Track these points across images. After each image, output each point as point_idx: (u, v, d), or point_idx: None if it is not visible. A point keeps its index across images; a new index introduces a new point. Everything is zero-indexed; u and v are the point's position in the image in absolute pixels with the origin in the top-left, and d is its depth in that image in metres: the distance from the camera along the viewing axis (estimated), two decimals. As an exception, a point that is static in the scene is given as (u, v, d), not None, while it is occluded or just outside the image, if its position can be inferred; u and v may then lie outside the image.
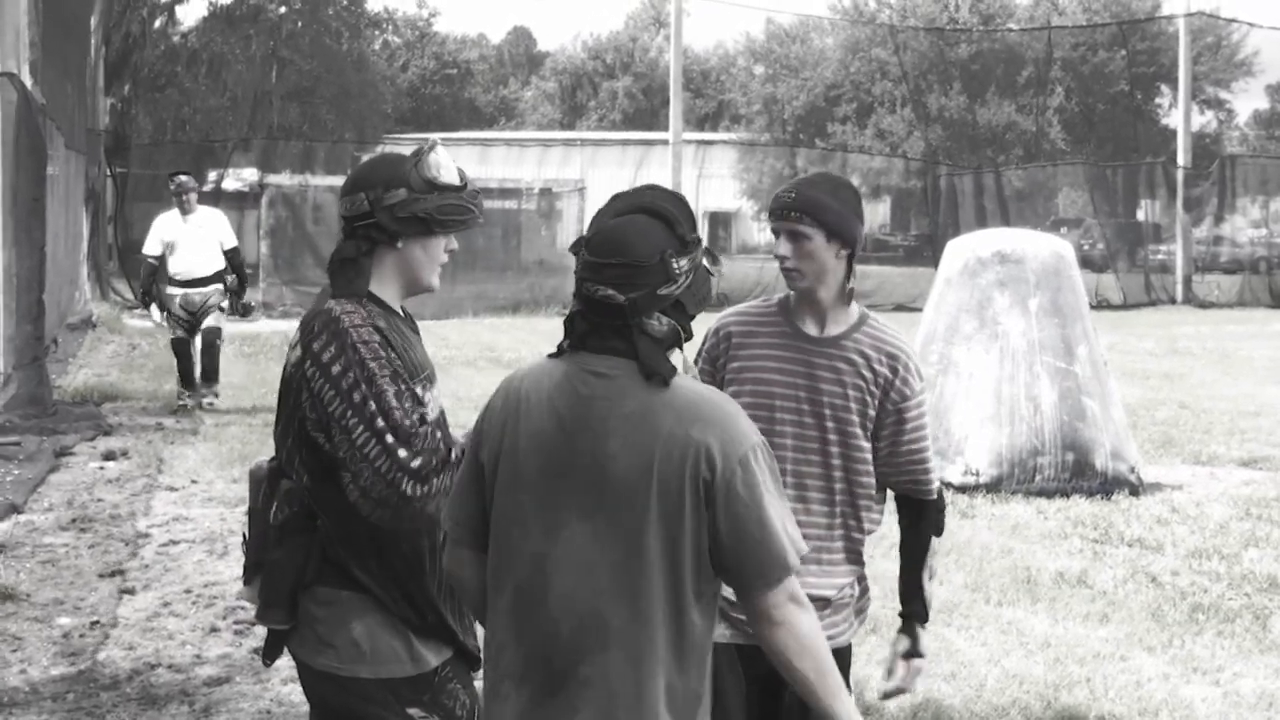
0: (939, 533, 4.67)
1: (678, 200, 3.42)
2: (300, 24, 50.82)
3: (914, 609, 4.62)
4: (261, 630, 4.06)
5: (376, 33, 66.28)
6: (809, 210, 4.34)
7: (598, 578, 3.26)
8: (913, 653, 4.65)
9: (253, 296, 31.31)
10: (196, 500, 11.48)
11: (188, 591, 8.79)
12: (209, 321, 16.11)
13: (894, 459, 4.49)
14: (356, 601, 3.87)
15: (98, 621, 8.19)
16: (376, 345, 3.80)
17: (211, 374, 16.33)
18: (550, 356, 3.46)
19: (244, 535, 4.05)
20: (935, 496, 4.61)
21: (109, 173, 32.26)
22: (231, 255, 16.35)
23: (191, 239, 16.04)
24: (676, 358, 3.44)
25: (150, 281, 16.31)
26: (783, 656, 3.31)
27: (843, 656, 4.67)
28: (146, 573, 9.29)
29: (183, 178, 16.18)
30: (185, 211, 16.07)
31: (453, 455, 3.80)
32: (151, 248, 16.21)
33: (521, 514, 3.35)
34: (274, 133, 44.62)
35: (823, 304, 4.42)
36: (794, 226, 4.34)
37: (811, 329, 4.43)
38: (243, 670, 7.30)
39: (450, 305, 30.59)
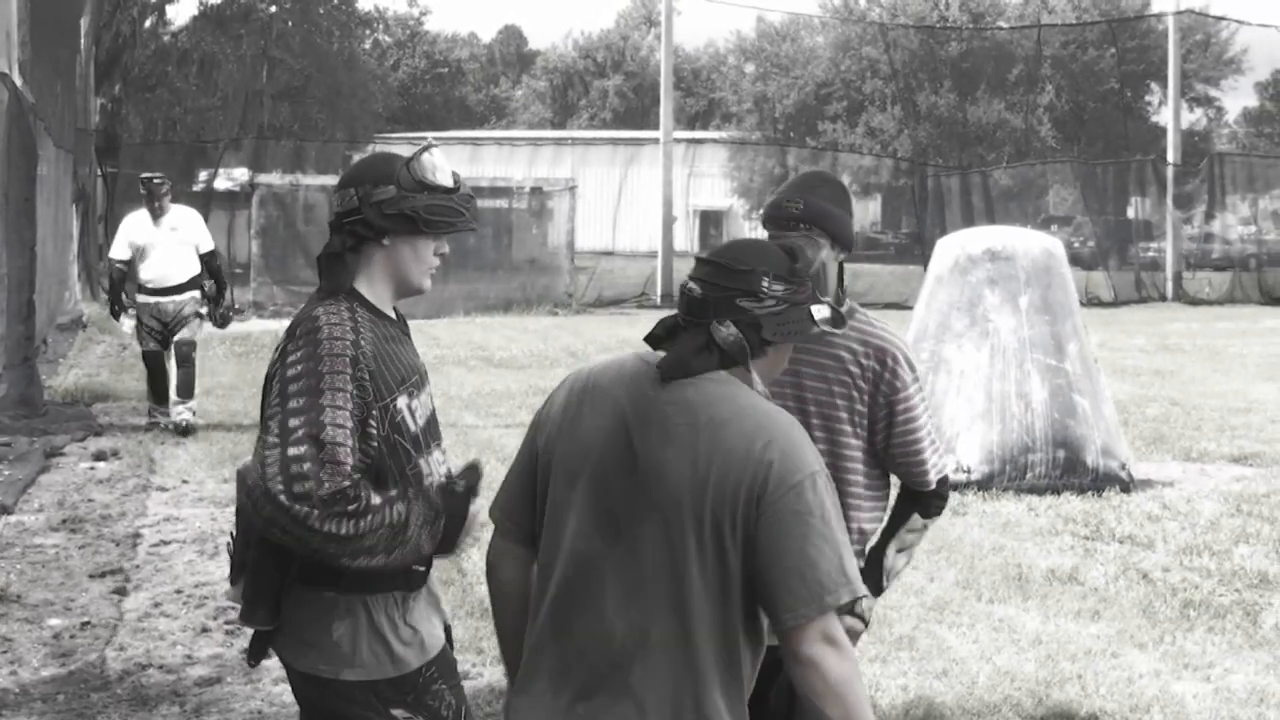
0: (926, 515, 4.61)
1: (814, 245, 3.62)
2: (291, 23, 50.80)
3: (870, 572, 4.46)
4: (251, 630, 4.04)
5: (367, 32, 66.18)
6: (817, 220, 4.31)
7: (645, 584, 3.21)
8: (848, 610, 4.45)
9: (243, 296, 31.58)
10: (187, 500, 11.47)
11: (179, 592, 8.77)
12: (183, 334, 14.60)
13: (889, 451, 4.46)
14: (338, 602, 3.86)
15: (89, 622, 8.18)
16: (344, 364, 3.76)
17: (187, 389, 14.62)
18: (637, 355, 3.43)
19: (231, 535, 4.03)
20: (932, 488, 4.58)
21: (99, 172, 32.21)
22: (209, 259, 14.89)
23: (164, 243, 14.61)
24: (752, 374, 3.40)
25: (119, 289, 15.05)
26: (809, 699, 3.19)
27: None
28: (137, 573, 9.27)
29: (155, 180, 14.74)
30: (157, 215, 14.64)
31: (364, 505, 3.69)
32: (119, 251, 14.93)
33: (574, 509, 3.31)
34: (265, 132, 44.57)
35: None
36: (803, 237, 4.30)
37: None
38: (234, 670, 7.29)
39: (441, 304, 30.58)
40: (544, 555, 3.37)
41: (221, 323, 15.16)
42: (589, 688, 3.24)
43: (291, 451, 3.64)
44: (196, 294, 14.74)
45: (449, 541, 3.90)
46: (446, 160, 3.97)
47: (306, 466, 3.62)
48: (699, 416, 3.23)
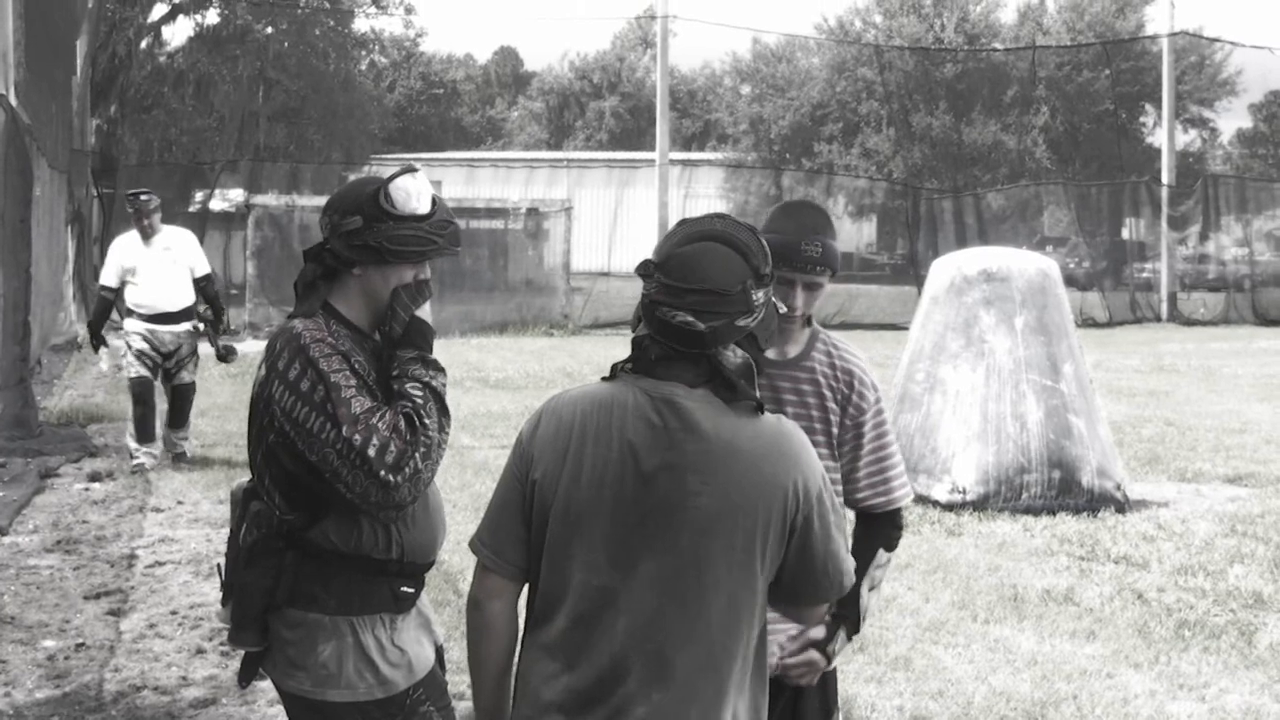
0: (890, 548, 4.55)
1: (749, 231, 3.35)
2: (287, 44, 50.82)
3: (846, 613, 4.40)
4: (247, 652, 4.05)
5: (363, 53, 66.27)
6: (829, 262, 4.31)
7: (667, 614, 3.20)
8: (821, 647, 4.38)
9: (238, 317, 31.56)
10: (183, 521, 11.46)
11: (174, 613, 8.77)
12: (183, 376, 13.72)
13: (856, 474, 4.44)
14: (325, 624, 3.87)
15: (83, 644, 8.17)
16: (329, 347, 3.80)
17: (181, 419, 13.87)
18: (605, 380, 3.39)
19: (224, 557, 4.05)
20: (898, 506, 4.51)
21: (95, 193, 32.23)
22: (204, 285, 13.77)
23: (156, 265, 13.48)
24: None
25: (102, 319, 13.86)
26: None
27: (829, 681, 4.61)
28: (133, 594, 9.27)
29: (143, 197, 13.54)
30: (147, 235, 13.49)
31: (417, 422, 3.78)
32: (107, 277, 13.73)
33: (582, 544, 3.26)
34: (261, 153, 44.60)
35: (793, 331, 4.41)
36: (817, 280, 4.32)
37: (771, 352, 4.31)
38: (229, 692, 7.28)
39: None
40: (548, 590, 3.33)
41: (226, 356, 13.78)
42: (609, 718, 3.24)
43: (371, 450, 3.68)
44: (190, 328, 13.70)
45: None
46: (426, 184, 3.94)
47: (389, 447, 3.69)
48: (714, 443, 3.22)
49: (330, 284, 3.95)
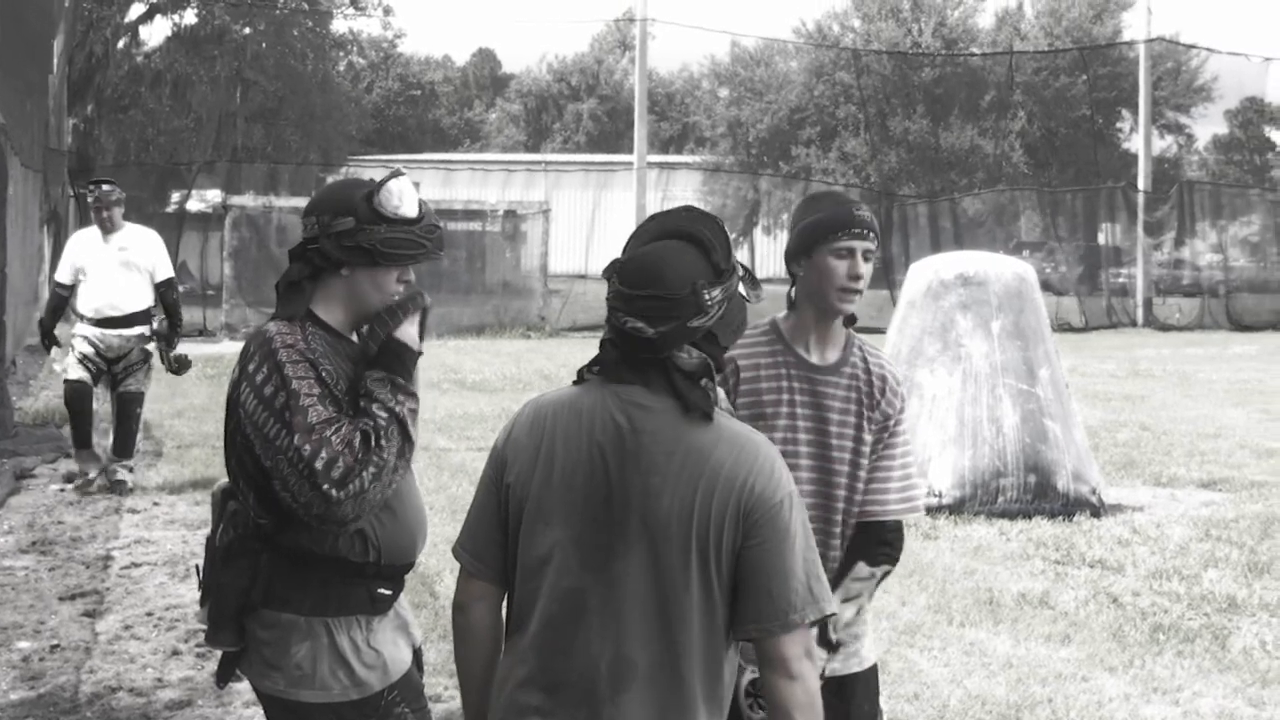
0: (871, 562, 4.34)
1: (713, 224, 3.31)
2: (265, 45, 50.67)
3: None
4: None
5: (341, 54, 66.12)
6: (875, 229, 4.29)
7: (632, 614, 3.21)
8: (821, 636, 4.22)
9: (215, 318, 31.54)
10: (159, 522, 11.44)
11: (149, 614, 8.75)
12: (130, 384, 12.46)
13: (875, 479, 4.34)
14: (300, 625, 3.87)
15: (59, 645, 8.15)
16: (298, 353, 3.79)
17: (125, 447, 12.61)
18: (575, 384, 3.40)
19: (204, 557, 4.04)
20: (883, 520, 4.36)
21: (72, 193, 32.15)
22: (165, 291, 12.58)
23: (110, 264, 12.35)
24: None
25: (54, 317, 12.84)
26: (789, 712, 3.20)
27: (871, 677, 4.52)
28: (108, 596, 9.24)
29: (105, 186, 12.50)
30: (107, 230, 12.39)
31: (372, 442, 3.73)
32: (62, 273, 12.68)
33: (555, 546, 3.28)
34: (238, 154, 44.50)
35: (834, 327, 4.34)
36: (872, 247, 4.27)
37: (814, 356, 4.30)
38: (205, 694, 7.27)
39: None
40: (522, 594, 3.34)
41: (177, 368, 12.65)
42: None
43: (319, 462, 3.66)
44: (145, 330, 12.48)
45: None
46: (413, 188, 3.95)
47: (338, 461, 3.67)
48: (676, 445, 3.22)
49: (314, 285, 3.94)
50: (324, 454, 3.66)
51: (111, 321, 12.34)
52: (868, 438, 4.30)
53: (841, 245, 4.21)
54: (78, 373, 12.40)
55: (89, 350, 12.37)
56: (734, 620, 3.25)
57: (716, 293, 3.22)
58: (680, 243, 3.26)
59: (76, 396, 12.41)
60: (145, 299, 12.48)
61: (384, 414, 3.76)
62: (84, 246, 12.56)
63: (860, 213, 4.25)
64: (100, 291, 12.34)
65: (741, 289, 3.33)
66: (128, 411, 12.52)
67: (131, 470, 12.70)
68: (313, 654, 3.85)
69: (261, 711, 4.19)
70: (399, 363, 3.88)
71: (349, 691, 3.87)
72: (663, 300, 3.18)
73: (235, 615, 3.89)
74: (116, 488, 12.42)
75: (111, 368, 12.46)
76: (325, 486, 3.64)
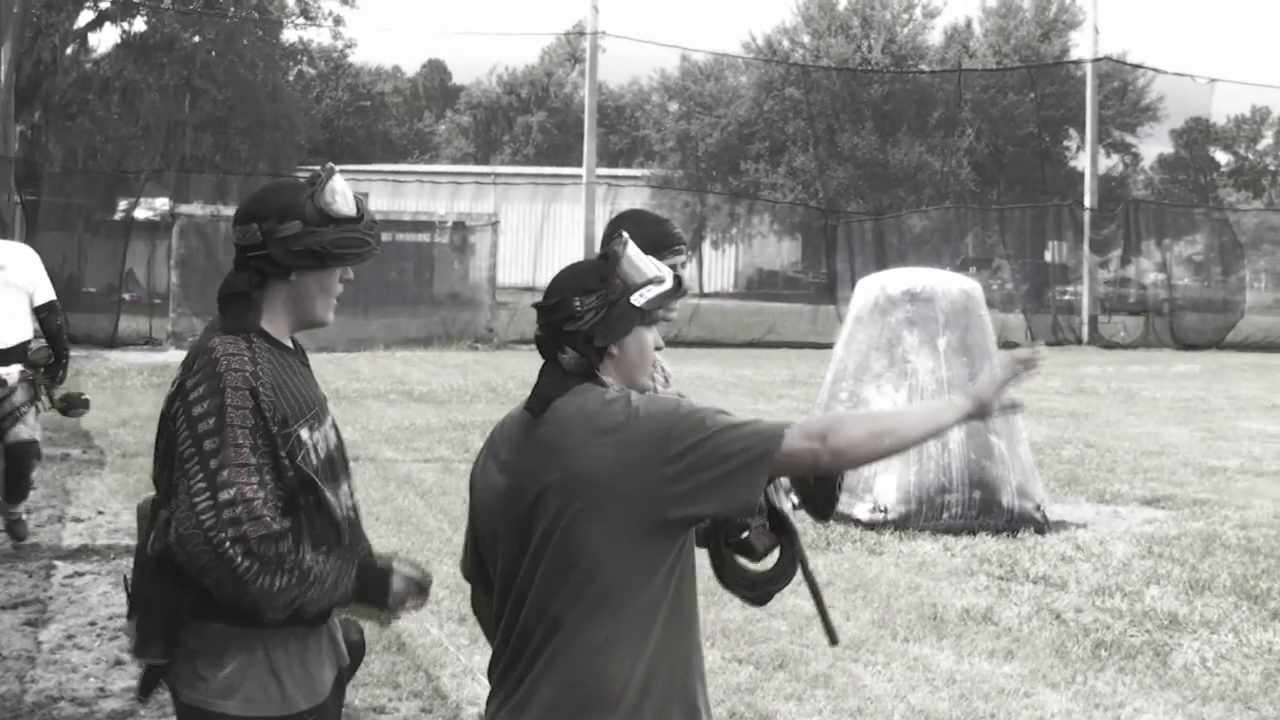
0: None
1: (621, 239, 3.61)
2: (214, 54, 50.48)
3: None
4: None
5: (291, 64, 65.93)
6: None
7: (554, 579, 3.43)
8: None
9: (162, 327, 31.36)
10: (103, 531, 11.38)
11: (92, 624, 8.71)
12: (18, 431, 10.39)
13: None
14: (231, 635, 3.77)
15: (1, 655, 8.10)
16: (245, 397, 3.70)
17: (18, 493, 10.74)
18: None
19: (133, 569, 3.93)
20: None
21: (19, 200, 31.95)
22: (47, 316, 10.65)
23: None
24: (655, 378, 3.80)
25: None
26: (855, 454, 3.43)
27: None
28: (50, 605, 9.20)
29: None
30: None
31: (280, 530, 3.67)
32: None
33: (498, 540, 3.58)
34: (186, 162, 44.32)
35: None
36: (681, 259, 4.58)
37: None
38: (147, 704, 7.24)
39: (362, 338, 30.52)
40: (496, 603, 3.64)
41: (65, 408, 10.79)
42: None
43: (223, 496, 3.60)
44: (23, 369, 10.45)
45: (367, 609, 3.92)
46: (346, 185, 3.91)
47: (239, 511, 3.59)
48: (574, 431, 3.46)
49: (260, 294, 3.87)
50: (237, 504, 3.60)
51: None
52: None
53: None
54: None
55: None
56: (740, 496, 3.40)
57: (591, 300, 3.52)
58: (594, 259, 3.64)
59: None
60: (24, 328, 10.58)
61: (328, 568, 3.77)
62: None
63: (677, 231, 4.56)
64: None
65: (635, 298, 3.56)
66: (22, 464, 10.60)
67: (28, 514, 11.06)
68: (244, 666, 3.77)
69: None
70: (378, 608, 3.94)
71: (275, 706, 3.79)
72: (542, 309, 3.58)
73: (166, 627, 3.78)
74: (14, 529, 10.81)
75: None
76: (221, 536, 3.57)
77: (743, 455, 3.35)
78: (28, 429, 10.45)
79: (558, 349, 3.54)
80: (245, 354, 3.76)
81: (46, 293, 10.68)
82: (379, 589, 3.87)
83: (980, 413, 3.61)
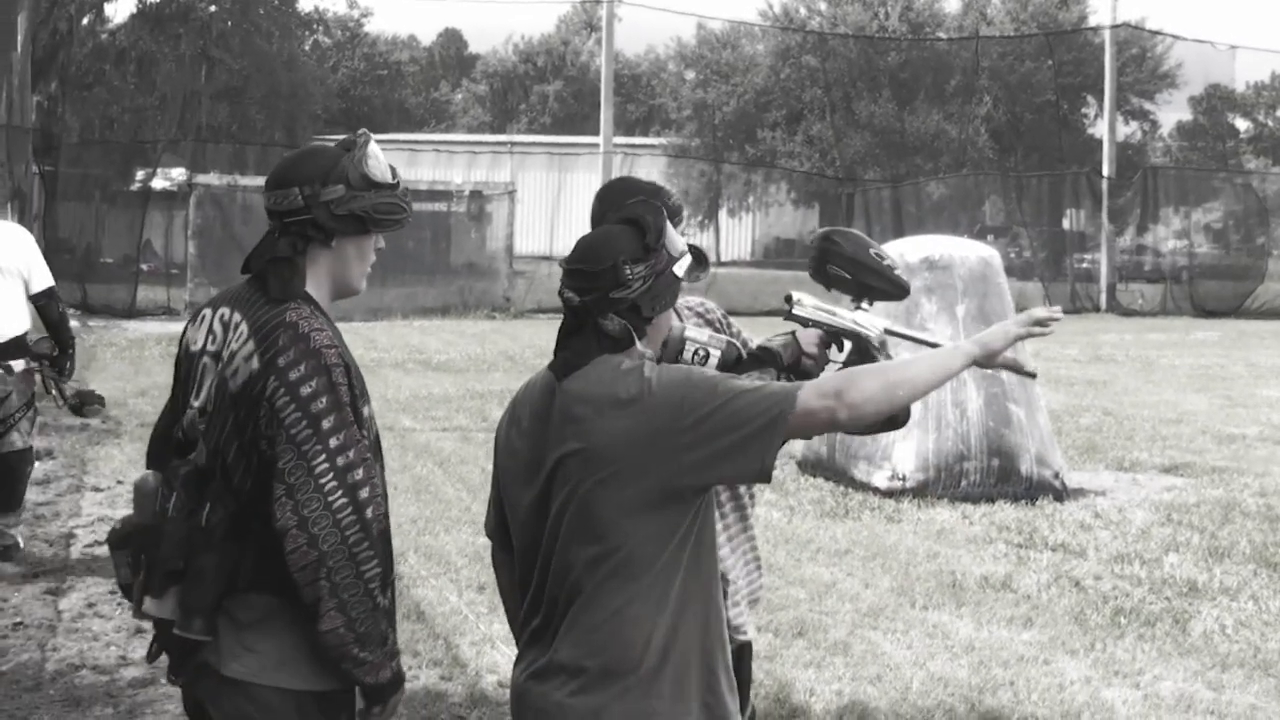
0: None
1: (654, 209, 3.60)
2: (230, 23, 50.41)
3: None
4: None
5: (307, 33, 65.88)
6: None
7: (574, 547, 3.46)
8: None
9: (179, 297, 31.41)
10: (122, 500, 11.40)
11: (112, 593, 8.71)
12: (12, 440, 9.31)
13: None
14: (281, 607, 3.67)
15: (21, 623, 8.14)
16: (343, 373, 3.66)
17: (9, 499, 9.57)
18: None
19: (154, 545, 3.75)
20: None
21: (36, 170, 31.98)
22: (46, 304, 9.47)
23: None
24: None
25: None
26: (872, 407, 3.43)
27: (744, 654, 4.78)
28: (71, 574, 9.23)
29: None
30: None
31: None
32: None
33: (520, 508, 3.62)
34: (203, 132, 44.32)
35: None
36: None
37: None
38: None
39: (379, 307, 30.55)
40: (519, 568, 3.69)
41: (79, 405, 9.61)
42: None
43: (352, 478, 3.59)
44: (25, 364, 9.38)
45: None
46: (381, 151, 3.86)
47: (365, 494, 3.61)
48: (590, 402, 3.47)
49: (303, 260, 3.80)
50: (364, 485, 3.61)
51: None
52: None
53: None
54: None
55: None
56: (756, 460, 3.41)
57: (640, 269, 3.52)
58: (623, 225, 3.60)
59: None
60: (20, 319, 9.42)
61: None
62: None
63: (673, 201, 4.51)
64: None
65: (677, 269, 3.60)
66: (14, 475, 9.56)
67: (18, 526, 9.83)
68: (295, 639, 3.67)
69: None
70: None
71: (323, 681, 3.69)
72: (586, 274, 3.52)
73: (218, 599, 3.66)
74: (5, 554, 9.55)
75: None
76: (354, 518, 3.58)
77: (759, 419, 3.36)
78: (21, 437, 9.41)
79: (602, 315, 3.52)
80: (326, 326, 3.72)
81: (44, 278, 9.45)
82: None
83: (986, 362, 3.69)
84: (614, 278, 3.49)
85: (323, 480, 3.56)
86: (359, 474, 3.59)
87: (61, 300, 9.73)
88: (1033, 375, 4.28)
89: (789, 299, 4.21)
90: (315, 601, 3.57)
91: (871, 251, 4.52)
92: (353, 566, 3.58)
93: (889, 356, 4.18)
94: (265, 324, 3.69)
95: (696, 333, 4.24)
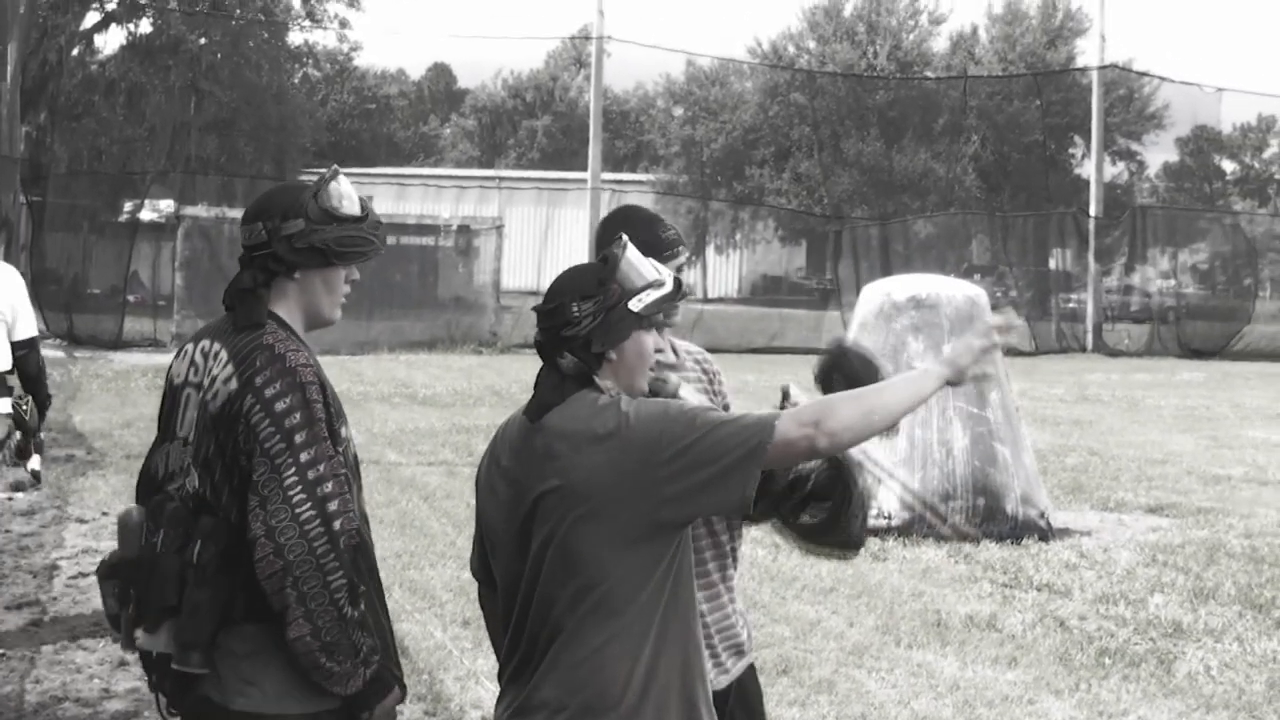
0: None
1: (621, 243, 3.61)
2: (220, 56, 50.52)
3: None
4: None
5: (297, 66, 65.95)
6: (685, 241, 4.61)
7: (553, 585, 3.47)
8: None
9: (166, 329, 31.39)
10: (106, 532, 11.37)
11: (96, 625, 8.69)
12: None
13: None
14: (271, 635, 3.67)
15: (4, 654, 8.10)
16: (317, 391, 3.71)
17: None
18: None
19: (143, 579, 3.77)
20: None
21: (25, 201, 31.99)
22: (23, 355, 8.60)
23: None
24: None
25: None
26: (849, 435, 3.45)
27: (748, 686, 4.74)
28: (54, 605, 9.20)
29: None
30: None
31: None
32: None
33: (501, 546, 3.63)
34: (191, 164, 44.35)
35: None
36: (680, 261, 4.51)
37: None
38: (151, 705, 7.19)
39: (365, 340, 30.57)
40: (502, 606, 3.70)
41: (21, 485, 8.84)
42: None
43: (321, 491, 3.61)
44: (7, 403, 8.57)
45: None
46: (351, 186, 3.91)
47: (335, 506, 3.62)
48: (568, 439, 3.48)
49: (267, 292, 3.87)
50: (332, 499, 3.62)
51: None
52: None
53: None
54: None
55: None
56: (737, 494, 3.42)
57: (588, 306, 3.52)
58: (591, 263, 3.68)
59: None
60: (3, 359, 8.66)
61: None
62: None
63: (669, 232, 4.46)
64: None
65: (633, 303, 3.57)
66: None
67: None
68: (289, 664, 3.68)
69: None
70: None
71: (327, 699, 3.71)
72: (541, 314, 3.58)
73: (214, 633, 3.68)
74: None
75: None
76: (322, 545, 3.58)
77: (737, 450, 3.37)
78: None
79: (556, 354, 3.55)
80: (302, 348, 3.78)
81: (28, 326, 8.67)
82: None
83: (957, 379, 3.77)
84: (562, 316, 3.52)
85: (291, 492, 3.59)
86: (329, 487, 3.62)
87: (40, 351, 8.84)
88: (991, 379, 4.28)
89: (785, 393, 4.20)
90: (283, 610, 3.60)
91: (881, 377, 4.47)
92: (319, 576, 3.58)
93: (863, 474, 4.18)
94: (243, 348, 3.77)
95: (689, 394, 4.22)
